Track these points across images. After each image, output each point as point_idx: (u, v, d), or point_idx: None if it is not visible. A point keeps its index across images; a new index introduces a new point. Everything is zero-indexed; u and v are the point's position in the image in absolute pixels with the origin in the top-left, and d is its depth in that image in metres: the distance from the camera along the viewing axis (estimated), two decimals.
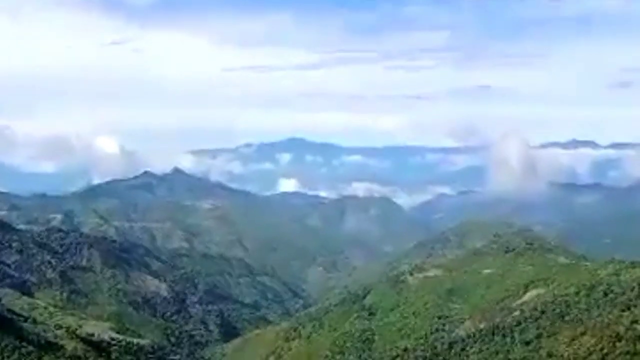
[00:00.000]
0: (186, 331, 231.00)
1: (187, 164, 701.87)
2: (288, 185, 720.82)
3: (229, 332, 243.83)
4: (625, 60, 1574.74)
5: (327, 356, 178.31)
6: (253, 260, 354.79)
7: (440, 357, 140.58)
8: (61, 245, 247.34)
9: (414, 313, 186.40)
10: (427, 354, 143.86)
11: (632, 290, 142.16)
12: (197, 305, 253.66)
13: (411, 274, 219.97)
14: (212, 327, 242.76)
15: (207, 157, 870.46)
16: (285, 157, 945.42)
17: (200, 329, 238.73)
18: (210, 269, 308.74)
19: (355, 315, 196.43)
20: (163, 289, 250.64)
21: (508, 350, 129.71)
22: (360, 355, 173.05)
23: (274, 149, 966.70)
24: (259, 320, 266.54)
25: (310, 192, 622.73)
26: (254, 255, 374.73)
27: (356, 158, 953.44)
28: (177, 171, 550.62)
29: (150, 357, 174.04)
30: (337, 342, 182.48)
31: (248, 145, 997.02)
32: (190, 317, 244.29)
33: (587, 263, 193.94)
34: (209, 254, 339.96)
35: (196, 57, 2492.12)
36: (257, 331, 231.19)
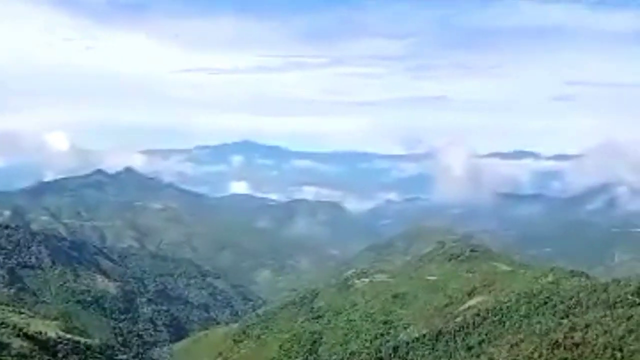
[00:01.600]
0: (135, 331, 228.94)
1: (139, 163, 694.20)
2: (239, 187, 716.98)
3: (178, 332, 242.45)
4: (569, 74, 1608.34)
5: (274, 358, 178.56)
6: (203, 261, 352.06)
7: None
8: (9, 242, 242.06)
9: (360, 317, 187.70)
10: (372, 358, 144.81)
11: (570, 298, 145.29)
12: (146, 306, 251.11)
13: (358, 279, 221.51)
14: (161, 327, 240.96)
15: (159, 157, 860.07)
16: (237, 160, 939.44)
17: (149, 329, 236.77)
18: (160, 270, 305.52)
19: (303, 318, 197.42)
20: (112, 289, 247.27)
21: (451, 355, 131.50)
22: (307, 358, 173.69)
23: (226, 151, 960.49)
24: (207, 322, 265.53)
25: (261, 195, 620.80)
26: (204, 256, 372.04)
27: (306, 162, 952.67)
28: (128, 170, 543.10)
29: (98, 357, 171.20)
30: (284, 345, 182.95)
31: (200, 147, 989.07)
32: (139, 317, 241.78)
33: (528, 271, 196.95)
34: (159, 255, 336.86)
35: (150, 57, 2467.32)
36: (206, 332, 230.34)
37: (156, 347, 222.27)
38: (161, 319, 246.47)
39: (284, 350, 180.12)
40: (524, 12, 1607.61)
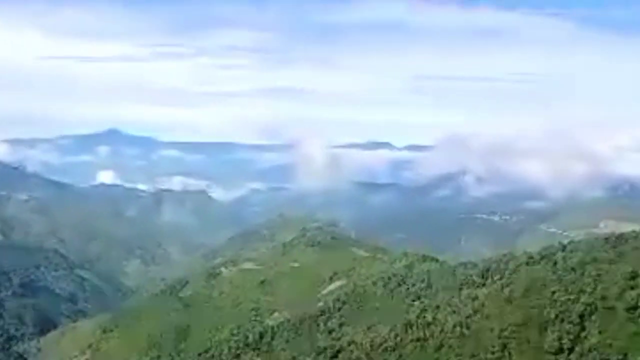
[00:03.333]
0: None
1: (2, 152, 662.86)
2: (106, 177, 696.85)
3: (45, 326, 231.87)
4: (419, 68, 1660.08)
5: (143, 348, 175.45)
6: (71, 252, 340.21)
7: (251, 347, 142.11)
8: None
9: (228, 305, 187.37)
10: (240, 345, 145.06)
11: (422, 281, 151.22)
12: (11, 299, 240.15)
13: (226, 267, 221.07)
14: (27, 321, 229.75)
15: (23, 146, 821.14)
16: (104, 150, 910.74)
17: (15, 323, 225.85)
18: (27, 262, 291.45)
19: (172, 307, 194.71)
20: None
21: (314, 339, 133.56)
22: (176, 347, 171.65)
23: (93, 141, 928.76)
24: (76, 314, 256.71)
25: (128, 185, 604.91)
26: (71, 247, 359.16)
27: (173, 152, 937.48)
28: None
29: None
30: (154, 335, 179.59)
31: (66, 136, 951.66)
32: (4, 311, 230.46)
33: (384, 256, 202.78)
34: (25, 246, 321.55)
35: (14, 44, 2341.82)
36: (75, 324, 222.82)
37: (22, 341, 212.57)
38: (27, 312, 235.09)
39: (153, 340, 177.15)
40: (376, 9, 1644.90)
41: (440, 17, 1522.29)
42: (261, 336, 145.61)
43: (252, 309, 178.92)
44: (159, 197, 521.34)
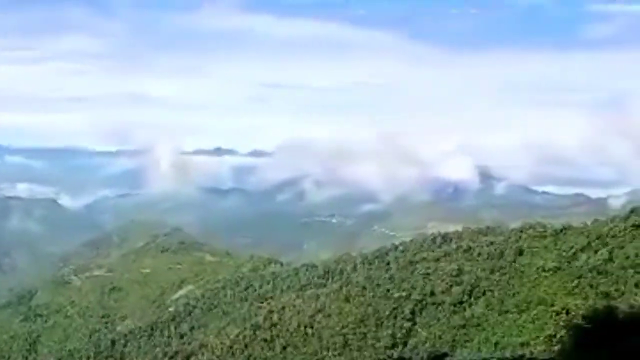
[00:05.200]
0: None
1: None
2: None
3: None
4: (262, 77, 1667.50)
5: None
6: None
7: (104, 355, 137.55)
8: None
9: (78, 313, 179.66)
10: (91, 353, 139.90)
11: (268, 283, 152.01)
12: None
13: (76, 275, 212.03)
14: None
15: None
16: None
17: None
18: None
19: (21, 317, 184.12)
20: None
21: (165, 344, 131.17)
22: (26, 358, 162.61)
23: None
24: None
25: None
26: None
27: (18, 159, 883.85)
28: None
29: None
30: (2, 346, 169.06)
31: None
32: None
33: (231, 260, 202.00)
34: None
35: None
36: None
37: None
38: None
39: (2, 351, 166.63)
40: (222, 18, 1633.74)
41: (284, 27, 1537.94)
42: (113, 343, 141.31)
43: (103, 317, 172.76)
44: (4, 205, 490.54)
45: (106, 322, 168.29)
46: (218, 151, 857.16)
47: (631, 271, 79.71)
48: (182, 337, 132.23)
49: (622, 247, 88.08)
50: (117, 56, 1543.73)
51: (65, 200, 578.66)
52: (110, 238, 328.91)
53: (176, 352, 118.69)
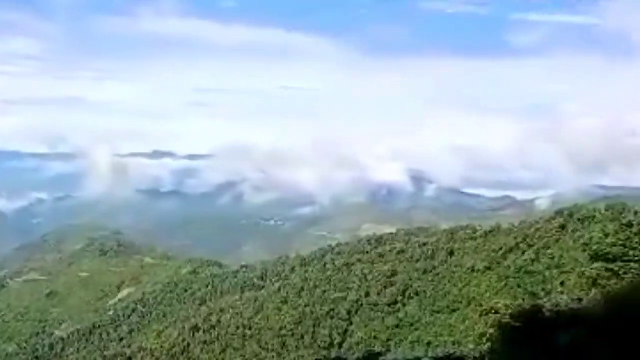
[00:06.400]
0: None
1: None
2: None
3: None
4: (200, 82, 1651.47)
5: None
6: None
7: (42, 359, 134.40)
8: None
9: (15, 318, 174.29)
10: (29, 358, 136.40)
11: (207, 286, 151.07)
12: None
13: (11, 279, 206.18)
14: None
15: None
16: None
17: None
18: None
19: None
20: None
21: (104, 348, 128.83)
22: None
23: None
24: None
25: None
26: None
27: None
28: None
29: None
30: None
31: None
32: None
33: (171, 263, 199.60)
34: None
35: None
36: None
37: None
38: None
39: None
40: (159, 24, 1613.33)
41: (223, 33, 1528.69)
42: (51, 348, 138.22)
43: (40, 321, 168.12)
44: None
45: (44, 327, 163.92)
46: (156, 154, 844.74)
47: (556, 271, 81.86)
48: (121, 340, 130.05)
49: (548, 248, 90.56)
50: (54, 59, 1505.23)
51: (0, 204, 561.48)
52: (47, 242, 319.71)
53: (115, 356, 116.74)
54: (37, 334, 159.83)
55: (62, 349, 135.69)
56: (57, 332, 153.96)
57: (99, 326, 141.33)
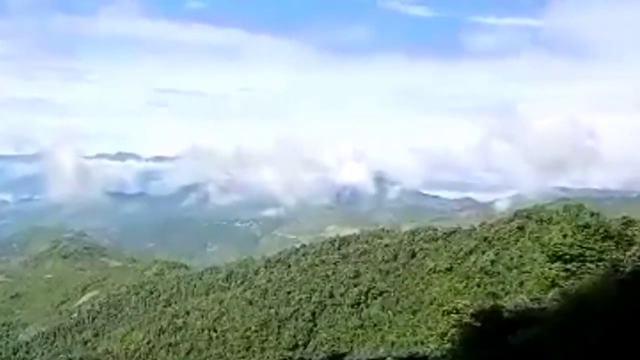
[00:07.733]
0: None
1: None
2: None
3: None
4: (160, 82, 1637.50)
5: None
6: None
7: None
8: None
9: None
10: None
11: (172, 288, 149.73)
12: None
13: None
14: None
15: None
16: None
17: None
18: None
19: None
20: None
21: (69, 351, 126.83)
22: None
23: None
24: None
25: None
26: None
27: None
28: None
29: None
30: None
31: None
32: None
33: (136, 265, 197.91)
34: None
35: None
36: None
37: None
38: None
39: None
40: (119, 24, 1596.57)
41: (182, 33, 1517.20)
42: (15, 351, 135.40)
43: (4, 324, 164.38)
44: None
45: (7, 330, 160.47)
46: (120, 156, 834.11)
47: (515, 271, 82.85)
48: (85, 343, 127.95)
49: (507, 249, 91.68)
50: (15, 59, 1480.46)
51: None
52: (10, 244, 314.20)
53: (80, 359, 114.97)
54: (1, 337, 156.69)
55: (26, 352, 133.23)
56: (21, 336, 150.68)
57: (63, 329, 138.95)
